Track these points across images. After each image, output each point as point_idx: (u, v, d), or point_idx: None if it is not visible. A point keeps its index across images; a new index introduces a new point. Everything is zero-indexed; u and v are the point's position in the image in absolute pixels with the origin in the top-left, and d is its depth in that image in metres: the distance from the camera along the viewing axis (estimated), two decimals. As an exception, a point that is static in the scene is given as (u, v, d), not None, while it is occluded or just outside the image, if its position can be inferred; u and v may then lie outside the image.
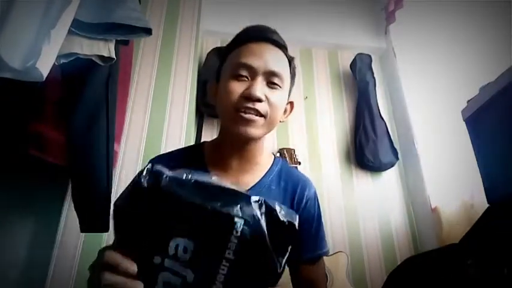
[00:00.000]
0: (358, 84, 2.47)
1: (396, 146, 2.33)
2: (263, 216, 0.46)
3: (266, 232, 0.45)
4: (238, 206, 0.45)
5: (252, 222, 0.45)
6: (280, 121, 0.80)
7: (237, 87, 0.73)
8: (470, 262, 0.79)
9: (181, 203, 0.45)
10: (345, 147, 2.36)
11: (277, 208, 0.47)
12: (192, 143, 1.97)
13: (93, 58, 1.06)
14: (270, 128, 0.78)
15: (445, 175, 1.96)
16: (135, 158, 1.68)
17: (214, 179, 0.48)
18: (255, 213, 0.45)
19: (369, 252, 2.08)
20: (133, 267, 0.45)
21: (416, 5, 2.37)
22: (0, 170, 1.50)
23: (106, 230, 1.25)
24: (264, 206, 0.46)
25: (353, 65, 2.51)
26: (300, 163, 2.10)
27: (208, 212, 0.45)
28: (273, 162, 0.87)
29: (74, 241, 1.48)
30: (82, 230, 1.24)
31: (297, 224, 0.48)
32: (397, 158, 2.29)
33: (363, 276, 2.01)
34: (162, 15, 2.03)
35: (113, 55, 1.09)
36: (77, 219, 1.23)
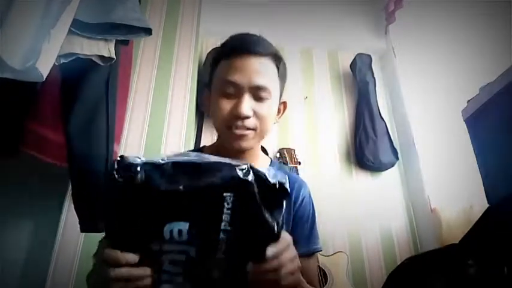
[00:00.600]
0: (358, 84, 2.47)
1: (396, 146, 2.33)
2: (252, 182, 0.45)
3: (258, 197, 0.45)
4: (225, 178, 0.45)
5: (241, 192, 0.45)
6: (274, 123, 0.83)
7: (226, 105, 0.76)
8: (470, 262, 0.79)
9: (164, 193, 0.44)
10: (345, 147, 2.36)
11: (266, 172, 0.47)
12: (192, 143, 1.97)
13: (93, 58, 1.06)
14: (262, 137, 0.81)
15: (445, 175, 1.96)
16: (135, 158, 1.68)
17: (194, 155, 0.47)
18: (243, 182, 0.45)
19: (369, 252, 2.08)
20: (134, 257, 0.46)
21: (416, 5, 2.37)
22: (0, 170, 1.50)
23: (106, 230, 1.25)
24: (251, 173, 0.46)
25: (353, 65, 2.51)
26: (300, 163, 2.10)
27: (195, 193, 0.44)
28: (270, 164, 0.92)
29: (74, 241, 1.48)
30: (82, 230, 1.24)
31: (286, 184, 0.48)
32: (397, 158, 2.29)
33: (363, 276, 2.01)
34: (162, 15, 2.03)
35: (113, 55, 1.09)
36: (77, 219, 1.23)
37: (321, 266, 1.81)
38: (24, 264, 1.60)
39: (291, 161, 2.08)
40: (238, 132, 0.76)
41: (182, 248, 0.45)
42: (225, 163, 0.46)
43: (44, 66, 0.82)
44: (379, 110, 2.39)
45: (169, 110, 1.82)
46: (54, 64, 0.89)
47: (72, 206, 1.24)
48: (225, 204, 0.44)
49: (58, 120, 1.28)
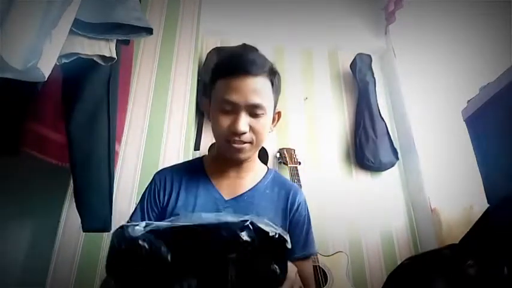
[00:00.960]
0: (358, 84, 2.47)
1: (396, 146, 2.33)
2: (253, 238, 0.47)
3: (259, 252, 0.47)
4: (227, 243, 0.46)
5: (244, 252, 0.46)
6: (269, 132, 0.89)
7: (224, 121, 0.82)
8: (470, 262, 0.79)
9: (167, 259, 0.45)
10: (345, 147, 2.36)
11: (265, 227, 0.48)
12: (192, 143, 1.97)
13: (94, 58, 1.06)
14: (258, 147, 0.88)
15: (445, 175, 1.96)
16: (135, 158, 1.68)
17: (195, 217, 0.50)
18: (244, 241, 0.46)
19: (368, 252, 2.08)
20: None
21: (416, 5, 2.37)
22: (0, 170, 1.51)
23: (108, 230, 1.26)
24: (251, 229, 0.47)
25: (353, 65, 2.52)
26: (300, 163, 2.10)
27: (199, 258, 0.46)
28: (267, 171, 0.98)
29: (74, 241, 1.48)
30: (84, 230, 1.24)
31: (287, 237, 0.49)
32: (397, 158, 2.30)
33: (363, 276, 2.01)
34: (162, 15, 2.03)
35: (114, 55, 1.09)
36: (78, 219, 1.23)
37: (321, 266, 1.81)
38: (24, 264, 1.60)
39: (291, 161, 2.08)
40: (237, 146, 0.83)
41: None
42: (225, 224, 0.47)
43: (46, 66, 0.82)
44: (379, 110, 2.39)
45: (169, 110, 1.82)
46: (55, 64, 0.89)
47: (73, 205, 1.24)
48: (230, 263, 0.46)
49: (59, 119, 1.28)
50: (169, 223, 0.47)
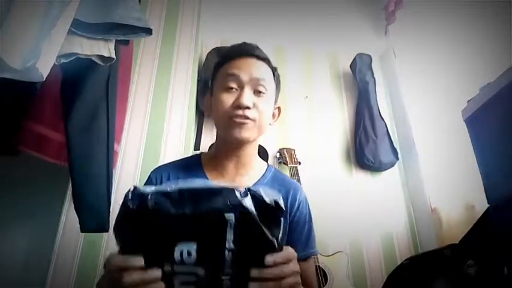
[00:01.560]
0: (358, 84, 2.47)
1: (396, 146, 2.33)
2: (250, 203, 0.50)
3: (256, 216, 0.50)
4: (226, 201, 0.49)
5: (241, 213, 0.49)
6: (270, 124, 0.90)
7: (228, 98, 0.84)
8: (470, 262, 0.79)
9: (173, 216, 0.49)
10: (345, 147, 2.36)
11: (262, 193, 0.51)
12: (192, 143, 1.97)
13: (93, 58, 1.06)
14: (260, 131, 0.87)
15: (445, 175, 1.96)
16: (135, 158, 1.68)
17: (198, 182, 0.53)
18: (242, 204, 0.49)
19: (368, 252, 2.08)
20: (141, 261, 0.49)
21: (416, 5, 2.37)
22: (0, 170, 1.51)
23: (106, 230, 1.26)
24: (248, 195, 0.51)
25: (353, 65, 2.52)
26: (300, 163, 2.10)
27: (200, 216, 0.49)
28: (267, 169, 0.96)
29: (74, 241, 1.48)
30: (82, 230, 1.24)
31: (281, 202, 0.52)
32: (397, 158, 2.29)
33: (363, 276, 2.01)
34: (162, 15, 2.03)
35: (113, 55, 1.09)
36: (77, 219, 1.23)
37: (321, 266, 1.81)
38: (24, 264, 1.60)
39: (291, 161, 2.08)
40: (239, 120, 0.82)
41: (191, 269, 0.49)
42: (224, 188, 0.51)
43: (44, 66, 0.82)
44: (379, 110, 2.39)
45: (169, 110, 1.82)
46: (54, 64, 0.89)
47: (72, 206, 1.24)
48: (228, 224, 0.49)
49: (58, 119, 1.28)
50: (175, 186, 0.51)
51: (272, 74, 0.90)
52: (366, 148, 2.25)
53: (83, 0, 0.93)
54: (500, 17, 1.70)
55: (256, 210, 0.50)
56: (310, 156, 2.25)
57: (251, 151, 0.91)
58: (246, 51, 0.88)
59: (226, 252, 0.49)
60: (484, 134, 1.02)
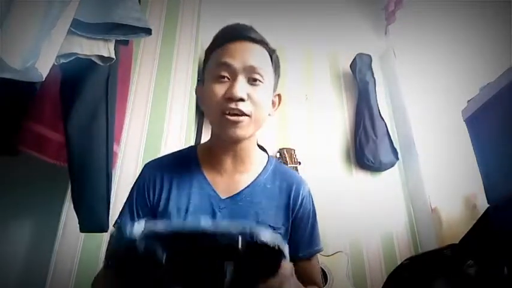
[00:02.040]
0: (358, 84, 2.47)
1: (396, 146, 2.33)
2: (250, 247, 0.46)
3: (256, 264, 0.47)
4: (225, 251, 0.46)
5: (240, 260, 0.46)
6: (269, 115, 0.82)
7: (219, 89, 0.74)
8: (470, 262, 0.79)
9: (164, 264, 0.45)
10: (345, 147, 2.36)
11: (263, 238, 0.48)
12: (192, 143, 1.97)
13: (93, 58, 1.06)
14: (257, 126, 0.79)
15: (445, 175, 1.96)
16: (135, 158, 1.68)
17: (191, 223, 0.50)
18: (241, 250, 0.46)
19: (369, 252, 2.08)
20: None
21: (416, 5, 2.37)
22: (0, 170, 1.50)
23: (105, 230, 1.26)
24: (249, 239, 0.47)
25: (353, 65, 2.51)
26: (300, 163, 2.10)
27: (195, 263, 0.46)
28: (267, 161, 0.89)
29: (74, 241, 1.48)
30: (81, 230, 1.24)
31: (283, 246, 0.49)
32: (397, 158, 2.29)
33: (363, 276, 2.01)
34: (162, 15, 2.03)
35: (113, 55, 1.09)
36: (77, 219, 1.23)
37: (321, 266, 1.81)
38: (24, 264, 1.60)
39: (291, 161, 2.08)
40: (233, 118, 0.73)
41: None
42: (222, 233, 0.47)
43: (44, 66, 0.82)
44: (379, 110, 2.38)
45: (169, 110, 1.82)
46: (53, 64, 0.89)
47: (72, 206, 1.24)
48: (225, 270, 0.46)
49: (58, 120, 1.28)
50: (166, 226, 0.47)
51: (270, 59, 0.81)
52: (366, 148, 2.25)
53: (82, 0, 0.93)
54: (500, 17, 1.69)
55: (256, 256, 0.47)
56: (310, 156, 2.25)
57: (249, 145, 0.83)
58: (239, 34, 0.77)
59: None
60: (484, 134, 1.02)
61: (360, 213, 2.16)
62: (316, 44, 2.61)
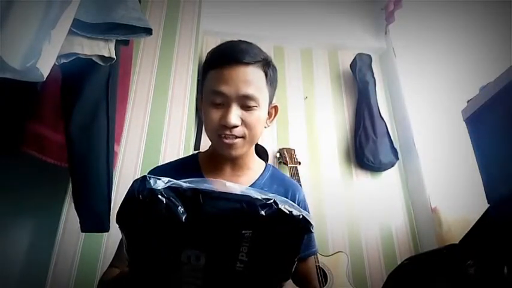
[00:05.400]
0: (358, 84, 2.47)
1: (396, 146, 2.33)
2: (273, 217, 0.44)
3: (276, 234, 0.45)
4: (245, 217, 0.44)
5: (260, 230, 0.44)
6: (265, 127, 0.85)
7: (215, 115, 0.78)
8: (470, 262, 0.79)
9: (183, 222, 0.43)
10: (345, 147, 2.36)
11: (289, 208, 0.46)
12: (192, 143, 1.97)
13: (94, 58, 1.06)
14: (252, 143, 0.84)
15: (445, 175, 1.96)
16: (135, 158, 1.68)
17: (216, 183, 0.47)
18: (263, 218, 0.43)
19: (369, 252, 2.08)
20: None
21: (416, 5, 2.37)
22: (0, 170, 1.50)
23: (106, 230, 1.26)
24: (273, 208, 0.45)
25: (353, 65, 2.51)
26: (300, 163, 2.10)
27: (214, 225, 0.44)
28: (265, 167, 0.93)
29: (74, 241, 1.48)
30: (83, 230, 1.24)
31: (310, 218, 0.46)
32: (397, 158, 2.29)
33: (363, 276, 2.01)
34: (162, 15, 2.03)
35: (113, 55, 1.09)
36: (77, 219, 1.23)
37: (321, 266, 1.81)
38: (24, 264, 1.60)
39: (291, 161, 2.08)
40: (228, 141, 0.78)
41: (199, 275, 0.45)
42: (248, 197, 0.44)
43: (45, 66, 0.82)
44: (379, 110, 2.39)
45: (169, 110, 1.82)
46: (54, 64, 0.89)
47: (73, 206, 1.24)
48: (244, 239, 0.44)
49: (59, 120, 1.28)
50: (191, 184, 0.45)
51: (265, 77, 0.81)
52: (366, 148, 2.25)
53: (83, 0, 0.93)
54: (500, 17, 1.70)
55: (278, 223, 0.44)
56: (310, 156, 2.25)
57: (247, 156, 0.88)
58: (234, 57, 0.78)
59: (238, 263, 0.45)
60: (484, 134, 1.02)
61: (360, 213, 2.16)
62: (316, 44, 2.62)
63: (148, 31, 1.13)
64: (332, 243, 2.03)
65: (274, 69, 0.86)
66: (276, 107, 0.89)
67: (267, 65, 0.82)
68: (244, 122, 0.78)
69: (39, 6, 0.81)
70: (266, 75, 0.82)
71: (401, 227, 2.19)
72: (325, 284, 1.77)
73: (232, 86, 0.76)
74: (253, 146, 0.89)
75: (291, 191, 0.90)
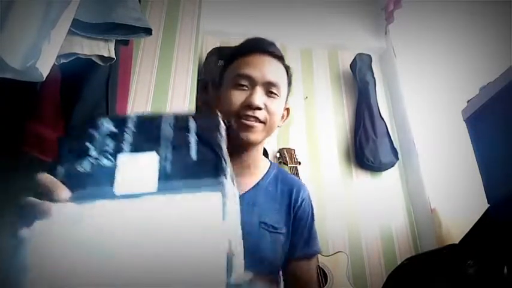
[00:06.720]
0: (358, 84, 2.47)
1: (396, 146, 2.33)
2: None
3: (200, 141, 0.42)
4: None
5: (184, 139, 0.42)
6: (278, 126, 0.87)
7: (238, 96, 0.79)
8: (470, 262, 0.79)
9: None
10: (345, 147, 2.36)
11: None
12: (192, 143, 1.97)
13: (93, 58, 1.06)
14: (268, 134, 0.84)
15: (444, 175, 1.96)
16: (135, 158, 1.68)
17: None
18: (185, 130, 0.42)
19: (369, 252, 2.08)
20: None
21: (416, 5, 2.37)
22: (0, 170, 1.50)
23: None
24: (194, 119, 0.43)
25: (353, 65, 2.52)
26: (300, 163, 2.10)
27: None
28: (270, 166, 0.94)
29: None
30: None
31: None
32: (397, 158, 2.29)
33: (363, 276, 2.01)
34: (162, 15, 2.03)
35: (113, 55, 1.09)
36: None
37: (321, 266, 1.81)
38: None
39: (291, 161, 2.08)
40: (249, 123, 0.78)
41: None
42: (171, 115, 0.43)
43: (44, 66, 0.82)
44: (379, 110, 2.39)
45: (169, 110, 1.82)
46: (54, 64, 0.89)
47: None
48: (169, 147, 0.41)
49: (58, 120, 1.28)
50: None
51: (286, 75, 0.87)
52: (366, 148, 2.25)
53: (83, 0, 0.93)
54: (500, 17, 1.70)
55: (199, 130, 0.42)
56: (310, 156, 2.26)
57: (256, 154, 0.88)
58: (262, 47, 0.84)
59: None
60: (484, 134, 1.02)
61: (360, 213, 2.16)
62: (316, 44, 2.62)
63: (148, 31, 1.13)
64: (332, 243, 2.03)
65: (292, 75, 0.91)
66: (288, 109, 0.92)
67: (287, 67, 0.89)
68: (266, 108, 0.80)
69: (39, 6, 0.81)
70: (287, 74, 0.88)
71: (401, 227, 2.19)
72: (325, 284, 1.77)
73: (260, 71, 0.80)
74: (262, 148, 0.91)
75: (295, 190, 0.90)
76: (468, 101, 1.10)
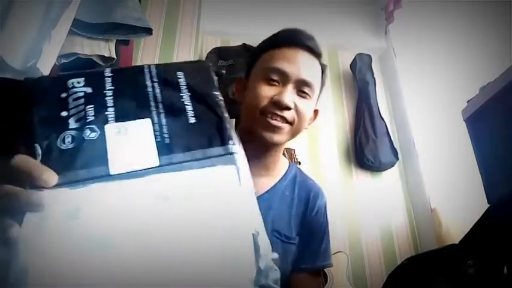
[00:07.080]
0: (358, 84, 2.47)
1: (396, 146, 2.33)
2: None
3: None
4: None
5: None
6: (305, 128, 0.81)
7: (267, 91, 0.71)
8: (470, 262, 0.79)
9: None
10: (345, 147, 2.36)
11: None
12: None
13: (94, 58, 1.07)
14: (294, 136, 0.78)
15: (444, 175, 1.96)
16: (135, 158, 1.68)
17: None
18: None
19: (369, 252, 2.08)
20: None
21: (416, 5, 2.37)
22: (0, 170, 1.50)
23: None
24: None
25: (353, 65, 2.51)
26: (300, 163, 2.10)
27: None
28: (288, 168, 0.87)
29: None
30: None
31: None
32: (397, 158, 2.29)
33: (363, 276, 2.01)
34: (162, 15, 2.03)
35: (114, 55, 1.09)
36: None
37: (321, 265, 1.81)
38: (24, 264, 1.60)
39: (291, 161, 2.08)
40: (274, 122, 0.71)
41: (82, 89, 0.38)
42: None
43: (45, 66, 0.82)
44: (379, 110, 2.39)
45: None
46: (54, 64, 0.89)
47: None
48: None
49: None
50: None
51: (321, 75, 0.78)
52: (366, 148, 2.25)
53: (83, 0, 0.93)
54: (500, 17, 1.70)
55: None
56: (310, 156, 2.25)
57: (276, 155, 0.81)
58: (300, 41, 0.74)
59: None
60: (484, 134, 1.02)
61: (360, 213, 2.16)
62: (316, 44, 2.61)
63: (148, 31, 1.13)
64: (332, 243, 2.02)
65: (326, 75, 0.82)
66: (316, 111, 0.84)
67: (324, 66, 0.80)
68: (296, 108, 0.72)
69: (39, 6, 0.81)
70: (322, 73, 0.79)
71: (401, 227, 2.19)
72: (325, 284, 1.77)
73: (295, 67, 0.72)
74: (283, 149, 0.84)
75: (312, 196, 0.85)
76: (468, 101, 1.10)
